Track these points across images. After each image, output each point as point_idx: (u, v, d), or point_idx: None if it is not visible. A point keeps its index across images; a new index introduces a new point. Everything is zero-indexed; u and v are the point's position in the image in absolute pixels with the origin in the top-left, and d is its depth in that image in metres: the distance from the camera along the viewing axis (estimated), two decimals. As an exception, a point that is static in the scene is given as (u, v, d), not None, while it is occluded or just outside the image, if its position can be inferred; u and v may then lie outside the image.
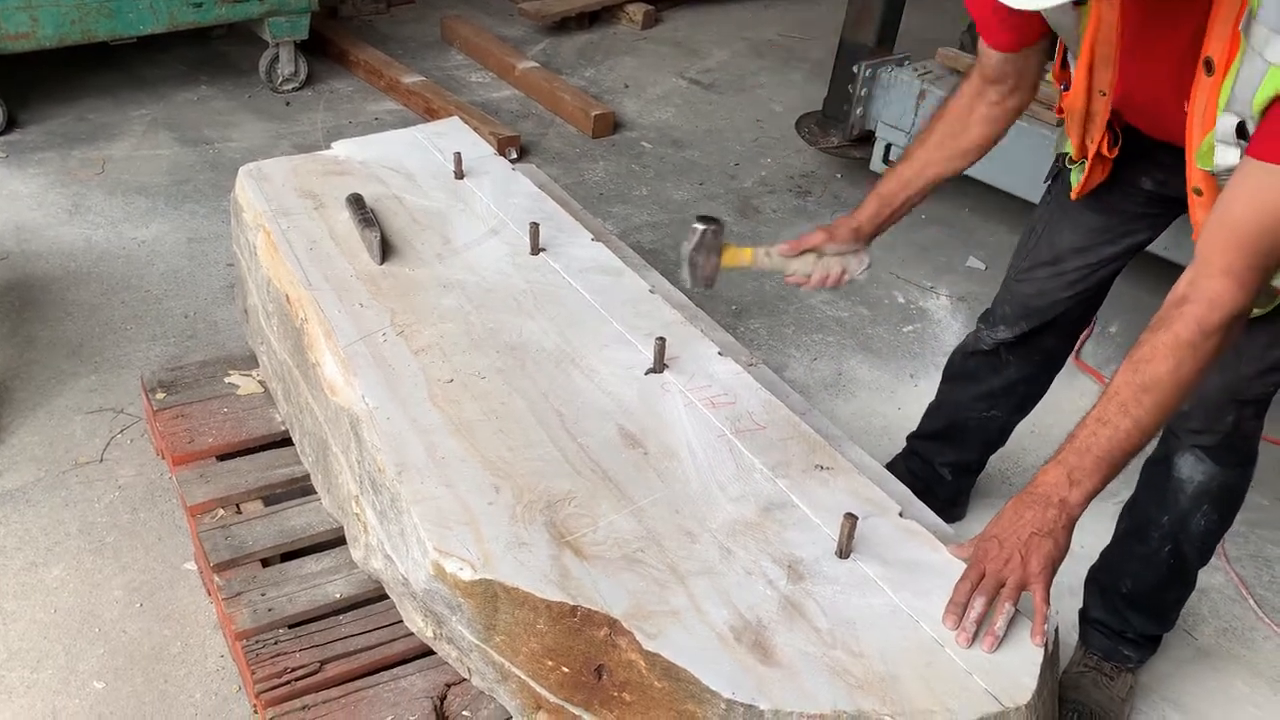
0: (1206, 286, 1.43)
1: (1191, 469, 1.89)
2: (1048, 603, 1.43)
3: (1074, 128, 1.80)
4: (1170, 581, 2.02)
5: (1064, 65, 1.79)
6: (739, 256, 1.85)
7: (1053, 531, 1.45)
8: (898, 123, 3.64)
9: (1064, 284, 2.06)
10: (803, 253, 1.87)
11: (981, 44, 1.78)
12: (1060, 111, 1.83)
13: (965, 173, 3.63)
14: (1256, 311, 1.68)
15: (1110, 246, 2.00)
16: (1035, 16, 1.65)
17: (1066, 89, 1.77)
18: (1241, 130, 1.43)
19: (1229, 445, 1.86)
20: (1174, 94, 1.54)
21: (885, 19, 3.92)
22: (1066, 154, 1.91)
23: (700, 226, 1.81)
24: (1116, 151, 1.79)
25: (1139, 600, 2.05)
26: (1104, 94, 1.68)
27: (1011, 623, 1.42)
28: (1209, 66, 1.43)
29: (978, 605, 1.41)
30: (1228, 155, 1.47)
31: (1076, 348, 3.17)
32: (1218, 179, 1.54)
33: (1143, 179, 1.87)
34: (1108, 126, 1.75)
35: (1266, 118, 1.37)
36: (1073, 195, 1.92)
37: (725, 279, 3.38)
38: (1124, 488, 2.08)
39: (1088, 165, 1.84)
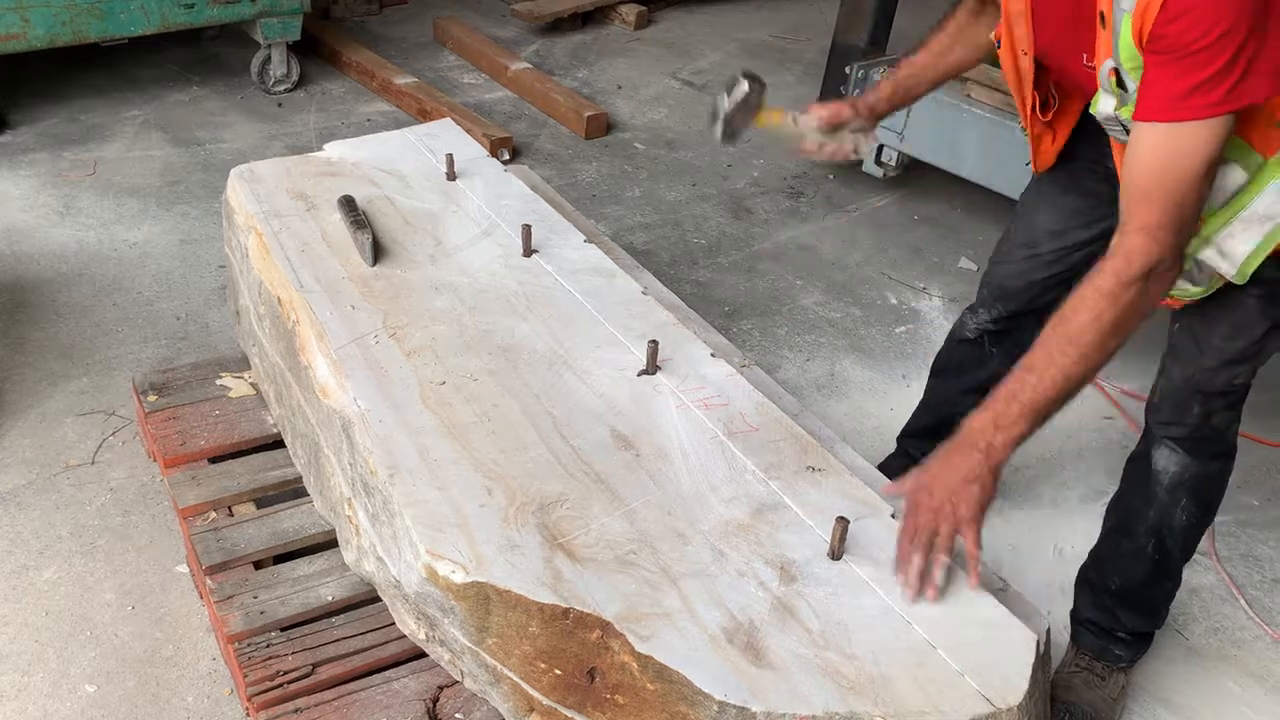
0: (1122, 241, 1.50)
1: (1166, 460, 1.91)
2: (979, 546, 1.50)
3: (1014, 92, 1.83)
4: (1156, 576, 2.03)
5: None
6: (770, 118, 1.90)
7: (980, 477, 1.50)
8: (890, 123, 3.64)
9: (1039, 265, 2.08)
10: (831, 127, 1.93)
11: None
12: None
13: (957, 173, 3.65)
14: (1196, 292, 1.72)
15: (1084, 231, 2.01)
16: None
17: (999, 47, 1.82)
18: (1119, 79, 1.49)
19: (1200, 437, 1.88)
20: (1079, 49, 1.58)
21: (877, 20, 3.93)
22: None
23: (746, 84, 1.83)
24: (1051, 116, 1.83)
25: (1129, 597, 2.06)
26: (1026, 53, 1.71)
27: (951, 574, 1.49)
28: (1103, 19, 1.47)
29: (916, 560, 1.48)
30: (1106, 103, 1.55)
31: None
32: (1105, 127, 1.61)
33: (1106, 158, 1.89)
34: (1036, 88, 1.77)
35: (1143, 80, 1.43)
36: (1034, 169, 1.96)
37: (718, 281, 3.39)
38: (1112, 484, 2.09)
39: (1030, 132, 1.88)
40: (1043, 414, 1.52)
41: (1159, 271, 1.50)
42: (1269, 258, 1.65)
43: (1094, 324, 1.49)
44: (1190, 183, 1.45)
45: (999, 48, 1.79)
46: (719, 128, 1.89)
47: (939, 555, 1.47)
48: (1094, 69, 1.55)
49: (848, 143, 1.97)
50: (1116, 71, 1.49)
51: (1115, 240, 1.52)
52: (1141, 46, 1.41)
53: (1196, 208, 1.49)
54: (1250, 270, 1.63)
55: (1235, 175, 1.57)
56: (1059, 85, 1.80)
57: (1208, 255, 1.64)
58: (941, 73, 1.97)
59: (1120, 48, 1.44)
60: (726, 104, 1.86)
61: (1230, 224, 1.60)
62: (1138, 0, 1.38)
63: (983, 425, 1.52)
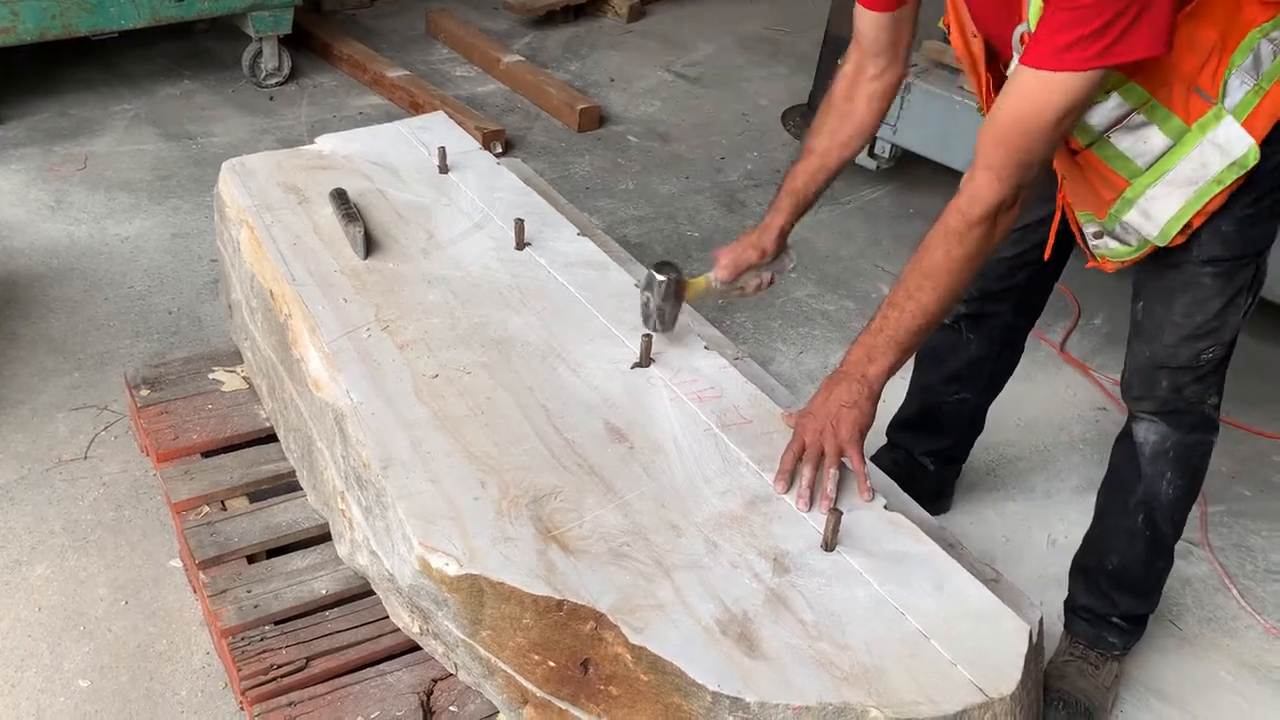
0: (971, 180, 1.58)
1: (1146, 432, 1.95)
2: (864, 462, 1.64)
3: (970, 76, 1.85)
4: (1150, 554, 2.04)
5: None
6: (696, 289, 1.94)
7: (858, 403, 1.63)
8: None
9: (1004, 245, 2.07)
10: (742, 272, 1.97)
11: (858, 13, 1.87)
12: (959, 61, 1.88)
13: (950, 165, 3.65)
14: (1124, 252, 1.78)
15: (1043, 208, 1.99)
16: None
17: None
18: (1024, 40, 1.55)
19: (1174, 410, 1.91)
20: (1014, 23, 1.62)
21: (870, 12, 3.92)
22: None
23: (662, 278, 1.87)
24: None
25: (1123, 577, 2.06)
26: (975, 36, 1.74)
27: (840, 486, 1.60)
28: None
29: (806, 473, 1.61)
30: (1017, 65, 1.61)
31: (1062, 338, 3.18)
32: None
33: None
34: (991, 69, 1.80)
35: (1036, 28, 1.48)
36: None
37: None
38: (1100, 470, 2.10)
39: (986, 112, 1.88)
40: (906, 344, 1.64)
41: (1002, 211, 1.58)
42: (1216, 234, 1.70)
43: (945, 261, 1.60)
44: (1044, 130, 1.51)
45: (949, 34, 1.82)
46: (655, 322, 1.91)
47: (829, 470, 1.60)
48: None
49: (766, 274, 2.00)
50: (1027, 35, 1.54)
51: (965, 178, 1.59)
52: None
53: (1043, 154, 1.56)
54: (1172, 232, 1.70)
55: (1157, 140, 1.64)
56: (1009, 64, 1.81)
57: (1132, 218, 1.71)
58: (832, 170, 1.98)
59: (1031, 13, 1.50)
60: (654, 301, 1.89)
61: (1154, 186, 1.67)
62: None
63: (857, 358, 1.65)
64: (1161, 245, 1.72)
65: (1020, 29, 1.57)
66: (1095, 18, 1.40)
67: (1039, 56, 1.47)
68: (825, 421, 1.63)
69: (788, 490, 1.62)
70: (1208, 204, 1.65)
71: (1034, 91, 1.49)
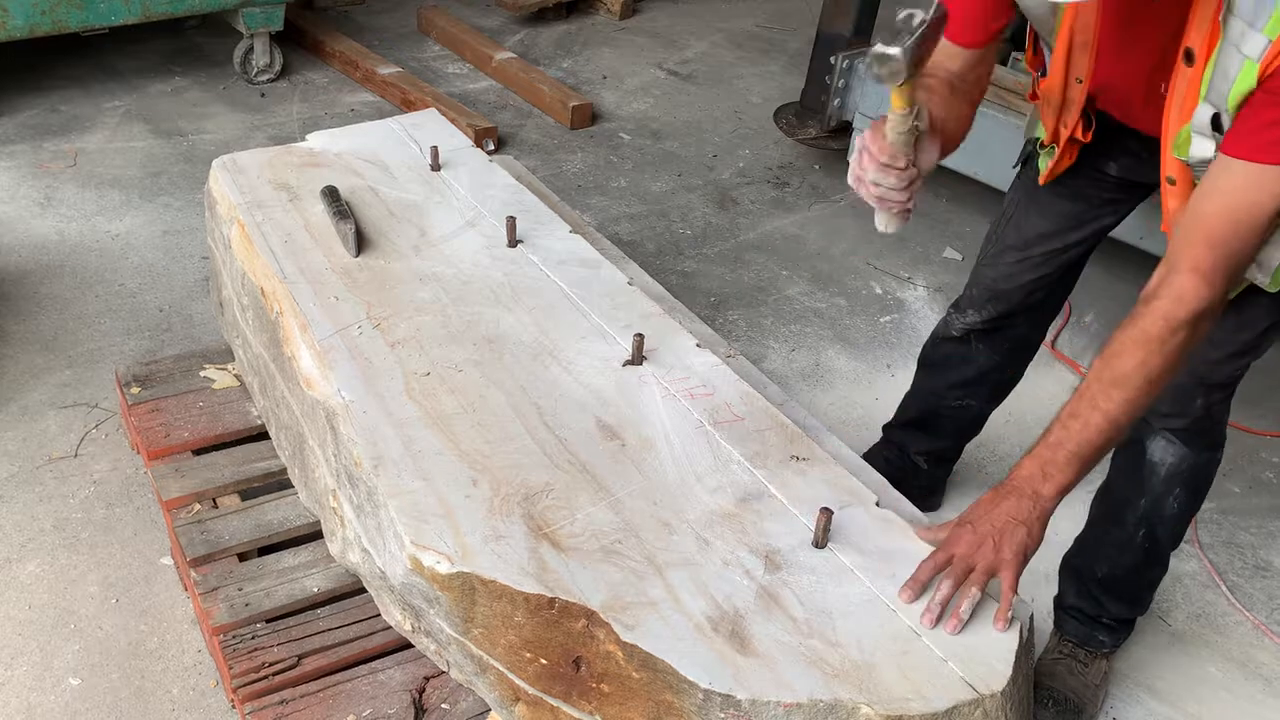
0: (1174, 282, 1.45)
1: (1163, 452, 1.92)
2: (1015, 590, 1.43)
3: (1049, 113, 1.82)
4: (1144, 564, 2.05)
5: (1035, 51, 1.81)
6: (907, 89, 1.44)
7: (1027, 521, 1.46)
8: (875, 113, 3.64)
9: (1029, 267, 2.08)
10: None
11: (941, 44, 1.65)
12: (1034, 97, 1.85)
13: (942, 163, 3.65)
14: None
15: (1076, 232, 2.01)
16: (1005, 13, 1.68)
17: (1043, 75, 1.79)
18: (1216, 122, 1.45)
19: (1199, 429, 1.90)
20: (1151, 83, 1.57)
21: (862, 10, 3.92)
22: (1038, 139, 1.93)
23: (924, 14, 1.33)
24: (1090, 136, 1.82)
25: (1114, 584, 2.07)
26: (1080, 81, 1.70)
27: (977, 608, 1.41)
28: (1189, 57, 1.45)
29: (944, 587, 1.41)
30: (1203, 147, 1.50)
31: (1052, 336, 3.19)
32: (1193, 170, 1.56)
33: (1110, 164, 1.89)
34: (1082, 112, 1.78)
35: (1242, 114, 1.39)
36: (1041, 180, 1.96)
37: (704, 271, 3.38)
38: (1097, 474, 2.10)
39: (1059, 150, 1.87)
40: (1089, 460, 1.50)
41: (1208, 313, 1.46)
42: None
43: (1140, 370, 1.46)
44: (1258, 229, 1.42)
45: (1043, 76, 1.77)
46: (902, 51, 1.34)
47: (970, 588, 1.40)
48: (1164, 101, 1.53)
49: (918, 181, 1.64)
50: (1217, 115, 1.45)
51: (1162, 279, 1.47)
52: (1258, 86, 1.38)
53: (1252, 255, 1.47)
54: None
55: None
56: (1095, 109, 1.79)
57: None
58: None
59: (1232, 93, 1.40)
60: (916, 21, 1.35)
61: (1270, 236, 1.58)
62: (1271, 46, 1.33)
63: (1030, 473, 1.49)
64: (1273, 291, 1.66)
65: (1203, 109, 1.46)
66: None
67: (1254, 149, 1.38)
68: (987, 536, 1.45)
69: (913, 601, 1.42)
70: None
71: (1250, 187, 1.39)
